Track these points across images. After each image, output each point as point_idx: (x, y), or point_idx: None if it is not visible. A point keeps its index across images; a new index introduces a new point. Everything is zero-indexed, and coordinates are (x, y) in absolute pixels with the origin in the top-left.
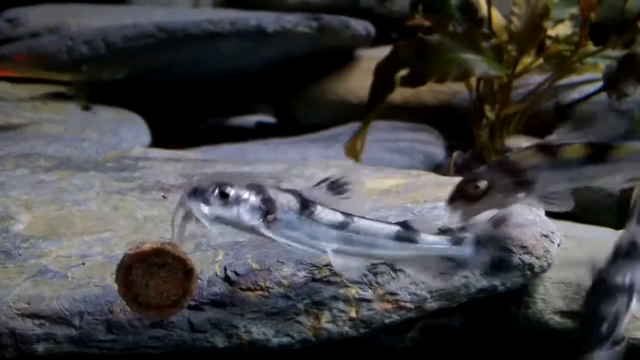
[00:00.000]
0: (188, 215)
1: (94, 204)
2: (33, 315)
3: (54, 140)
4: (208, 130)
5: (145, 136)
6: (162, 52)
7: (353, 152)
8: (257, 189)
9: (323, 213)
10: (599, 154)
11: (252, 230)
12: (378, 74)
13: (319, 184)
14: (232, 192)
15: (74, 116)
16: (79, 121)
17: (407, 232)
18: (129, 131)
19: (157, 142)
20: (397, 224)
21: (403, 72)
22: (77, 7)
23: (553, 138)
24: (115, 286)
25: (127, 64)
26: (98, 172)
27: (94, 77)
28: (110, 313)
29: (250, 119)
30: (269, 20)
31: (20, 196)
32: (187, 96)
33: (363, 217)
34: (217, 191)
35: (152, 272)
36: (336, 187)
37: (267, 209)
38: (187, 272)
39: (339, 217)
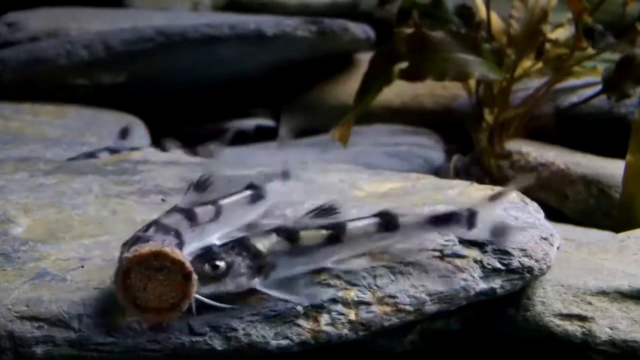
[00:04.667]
0: None
1: (93, 207)
2: (32, 318)
3: (53, 144)
4: (207, 134)
5: (145, 140)
6: (162, 56)
7: (341, 137)
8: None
9: (309, 238)
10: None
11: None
12: (373, 65)
13: (308, 214)
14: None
15: (73, 120)
16: (78, 125)
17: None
18: (129, 135)
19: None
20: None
21: (401, 66)
22: (76, 11)
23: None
24: (114, 289)
25: (126, 68)
26: (97, 175)
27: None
28: (109, 316)
29: (250, 123)
30: (268, 24)
31: (19, 199)
32: (187, 100)
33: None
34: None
35: (151, 275)
36: (325, 213)
37: (259, 264)
38: (185, 275)
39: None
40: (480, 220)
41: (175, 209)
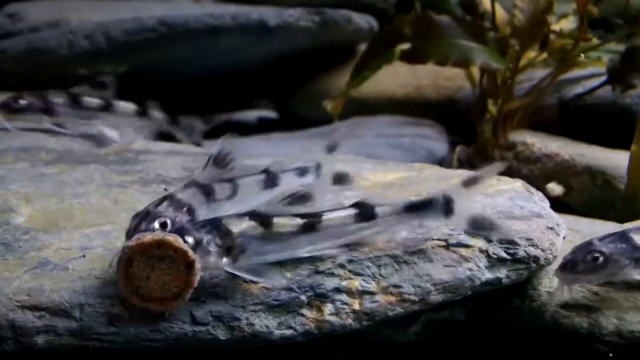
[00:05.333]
0: None
1: (95, 197)
2: (33, 308)
3: (54, 134)
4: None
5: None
6: (163, 46)
7: (334, 108)
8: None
9: (281, 224)
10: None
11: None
12: (375, 42)
13: (283, 200)
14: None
15: None
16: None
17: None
18: (131, 125)
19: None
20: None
21: (403, 47)
22: (77, 2)
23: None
24: (116, 278)
25: (127, 59)
26: (99, 165)
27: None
28: (111, 305)
29: (252, 114)
30: (270, 14)
31: (20, 189)
32: (189, 91)
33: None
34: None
35: (153, 264)
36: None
37: (227, 245)
38: (188, 264)
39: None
40: (457, 210)
41: (192, 183)
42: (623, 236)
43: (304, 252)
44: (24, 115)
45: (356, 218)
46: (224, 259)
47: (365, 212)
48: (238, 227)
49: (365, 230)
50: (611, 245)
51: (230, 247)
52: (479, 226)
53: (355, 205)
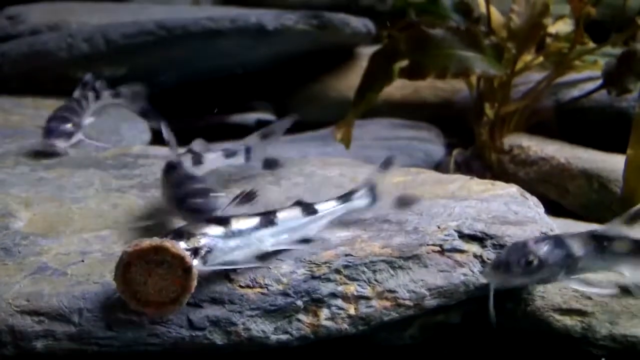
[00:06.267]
0: None
1: (94, 201)
2: (32, 312)
3: None
4: (208, 128)
5: (145, 134)
6: (162, 49)
7: (344, 139)
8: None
9: (240, 223)
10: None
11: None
12: (373, 63)
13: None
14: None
15: None
16: None
17: (308, 208)
18: (129, 129)
19: (157, 140)
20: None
21: (401, 64)
22: (77, 5)
23: None
24: (114, 283)
25: (127, 62)
26: (98, 169)
27: None
28: (109, 310)
29: (250, 117)
30: (269, 17)
31: (20, 193)
32: (187, 94)
33: (271, 212)
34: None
35: (151, 269)
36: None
37: (194, 247)
38: (185, 269)
39: (255, 219)
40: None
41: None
42: (559, 241)
43: (267, 245)
44: None
45: (302, 214)
46: (195, 261)
47: (307, 209)
48: (199, 229)
49: (312, 224)
50: (546, 249)
51: (197, 249)
52: (405, 203)
53: (298, 203)
